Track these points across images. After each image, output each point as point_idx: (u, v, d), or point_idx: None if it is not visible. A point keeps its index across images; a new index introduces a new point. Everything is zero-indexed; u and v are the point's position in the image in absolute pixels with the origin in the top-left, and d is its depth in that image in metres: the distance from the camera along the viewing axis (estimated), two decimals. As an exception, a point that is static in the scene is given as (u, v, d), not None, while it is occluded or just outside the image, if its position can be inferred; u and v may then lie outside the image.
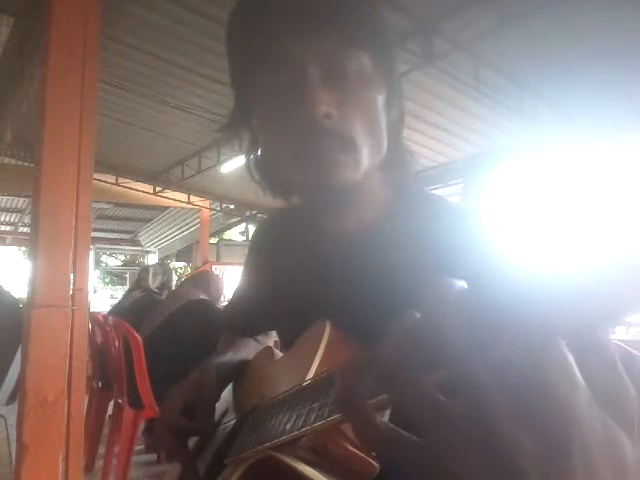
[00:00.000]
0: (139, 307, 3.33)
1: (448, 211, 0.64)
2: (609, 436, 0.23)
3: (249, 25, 0.59)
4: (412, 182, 0.68)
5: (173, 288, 3.73)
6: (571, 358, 0.23)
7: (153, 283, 3.61)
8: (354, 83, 0.57)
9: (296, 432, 0.39)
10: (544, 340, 0.23)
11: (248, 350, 0.83)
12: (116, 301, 10.46)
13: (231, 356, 0.80)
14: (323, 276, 0.65)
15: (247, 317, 0.86)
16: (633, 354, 0.49)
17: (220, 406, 0.73)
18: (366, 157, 0.58)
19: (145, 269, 3.83)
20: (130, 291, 3.71)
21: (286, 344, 0.74)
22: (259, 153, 0.68)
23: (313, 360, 0.49)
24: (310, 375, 0.47)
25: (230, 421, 0.69)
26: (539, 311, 0.23)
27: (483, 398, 0.23)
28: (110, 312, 3.62)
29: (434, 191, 0.74)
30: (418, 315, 0.27)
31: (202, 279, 3.25)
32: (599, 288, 0.22)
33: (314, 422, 0.37)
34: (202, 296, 3.01)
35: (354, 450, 0.40)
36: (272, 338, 0.94)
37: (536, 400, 0.23)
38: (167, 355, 2.61)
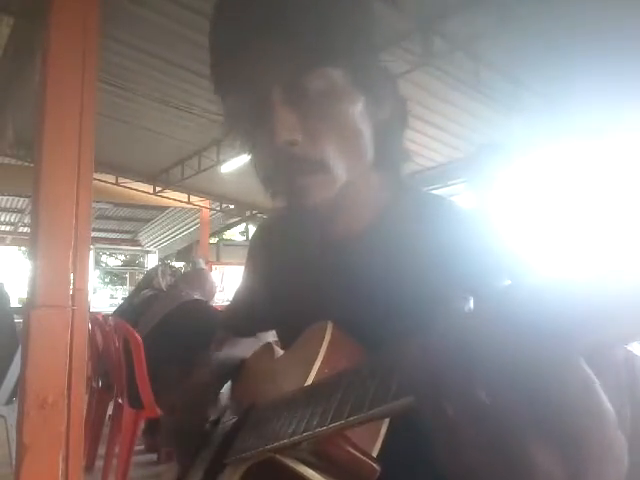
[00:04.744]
0: (149, 305, 3.32)
1: (446, 211, 0.62)
2: (624, 465, 0.22)
3: (219, 45, 0.58)
4: (409, 182, 0.67)
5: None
6: (594, 377, 0.22)
7: (163, 282, 3.62)
8: (322, 102, 0.55)
9: (297, 437, 0.39)
10: (564, 356, 0.22)
11: (245, 346, 0.83)
12: (116, 301, 10.42)
13: (229, 353, 0.81)
14: (321, 277, 0.65)
15: (246, 318, 0.86)
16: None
17: (219, 404, 0.73)
18: (342, 173, 0.57)
19: (154, 269, 3.84)
20: (139, 290, 3.71)
21: (285, 344, 0.74)
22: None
23: (315, 360, 0.48)
24: (312, 375, 0.47)
25: (230, 420, 0.69)
26: (560, 325, 0.22)
27: (501, 411, 0.23)
28: (118, 310, 3.62)
29: (434, 191, 0.73)
30: (440, 328, 0.26)
31: (196, 278, 3.24)
32: (622, 303, 0.21)
33: (315, 428, 0.37)
34: (196, 296, 3.01)
35: (356, 453, 0.40)
36: (271, 334, 0.94)
37: (559, 419, 0.22)
38: (163, 356, 2.60)
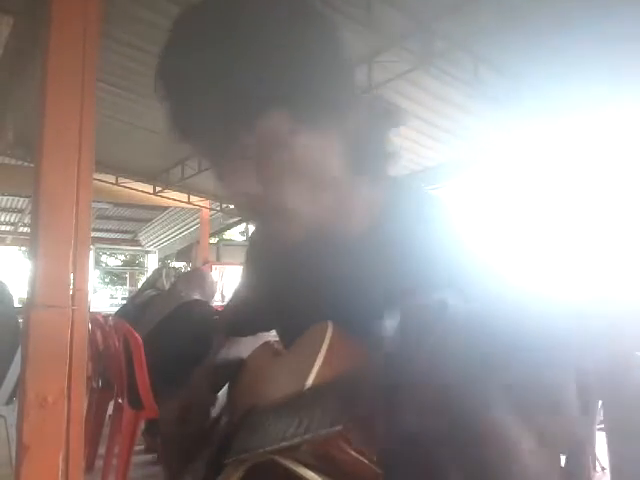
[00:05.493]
0: (150, 305, 3.33)
1: (442, 212, 0.62)
2: None
3: (167, 105, 0.58)
4: (406, 181, 0.67)
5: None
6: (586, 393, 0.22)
7: (166, 284, 3.63)
8: (272, 149, 0.54)
9: (298, 439, 0.39)
10: (560, 372, 0.21)
11: (245, 345, 0.83)
12: (116, 301, 10.40)
13: (228, 353, 0.81)
14: (321, 277, 0.65)
15: (247, 317, 0.86)
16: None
17: (218, 404, 0.73)
18: (308, 211, 0.57)
19: (158, 271, 3.86)
20: (142, 290, 3.72)
21: (285, 344, 0.74)
22: None
23: (315, 361, 0.48)
24: (312, 376, 0.47)
25: (229, 420, 0.69)
26: (558, 341, 0.22)
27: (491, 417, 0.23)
28: (121, 310, 3.64)
29: (434, 190, 0.73)
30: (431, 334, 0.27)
31: (196, 278, 3.25)
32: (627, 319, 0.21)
33: (317, 429, 0.37)
34: (196, 296, 3.02)
35: (356, 455, 0.40)
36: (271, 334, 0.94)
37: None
38: (162, 357, 2.60)
